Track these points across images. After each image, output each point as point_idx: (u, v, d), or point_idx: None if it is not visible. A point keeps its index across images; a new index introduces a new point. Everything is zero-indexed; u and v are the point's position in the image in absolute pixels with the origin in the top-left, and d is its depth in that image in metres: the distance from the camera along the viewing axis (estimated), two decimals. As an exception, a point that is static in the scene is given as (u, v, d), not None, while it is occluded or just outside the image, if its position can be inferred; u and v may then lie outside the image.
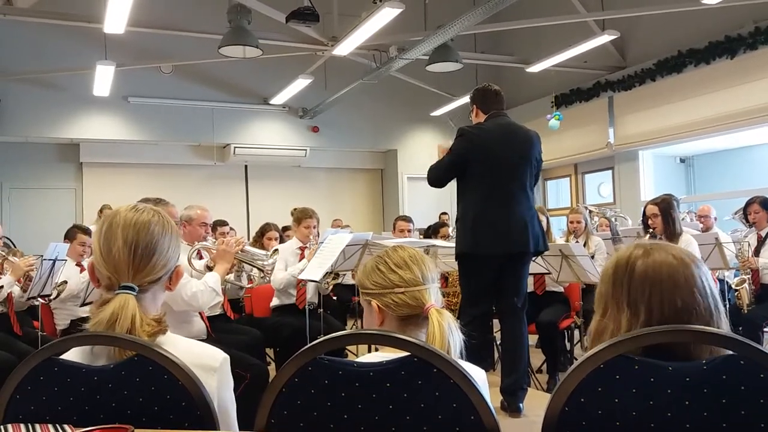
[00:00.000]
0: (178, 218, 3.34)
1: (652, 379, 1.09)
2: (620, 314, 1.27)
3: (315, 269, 3.85)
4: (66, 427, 1.24)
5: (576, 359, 4.84)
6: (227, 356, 1.44)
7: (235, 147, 10.50)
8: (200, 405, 1.27)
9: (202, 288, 3.05)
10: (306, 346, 1.19)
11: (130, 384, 1.28)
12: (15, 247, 6.52)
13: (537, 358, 5.17)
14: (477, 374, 1.29)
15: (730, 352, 1.08)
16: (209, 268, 3.26)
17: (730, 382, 1.06)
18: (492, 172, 3.56)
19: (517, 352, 3.66)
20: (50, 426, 1.24)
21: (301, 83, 9.41)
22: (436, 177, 3.73)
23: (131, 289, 1.37)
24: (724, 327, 1.23)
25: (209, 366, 1.38)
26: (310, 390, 1.19)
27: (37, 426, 1.25)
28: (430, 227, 7.69)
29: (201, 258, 3.52)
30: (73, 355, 1.37)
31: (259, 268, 3.47)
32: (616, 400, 1.11)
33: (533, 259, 4.00)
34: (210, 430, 1.27)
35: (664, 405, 1.09)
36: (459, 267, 3.77)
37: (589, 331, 1.36)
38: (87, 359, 1.37)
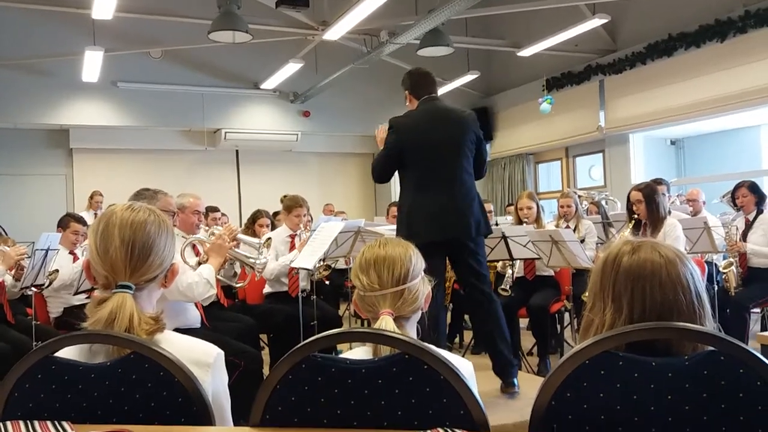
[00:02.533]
0: (174, 208, 3.34)
1: (635, 375, 1.13)
2: (605, 309, 1.30)
3: (308, 257, 3.87)
4: (65, 424, 1.26)
5: (566, 342, 4.92)
6: (221, 351, 1.47)
7: (225, 132, 10.46)
8: (196, 401, 1.30)
9: (197, 279, 3.08)
10: (299, 345, 1.22)
11: (127, 381, 1.30)
12: (6, 234, 6.52)
13: (528, 341, 5.24)
14: (465, 367, 1.32)
15: (713, 348, 1.12)
16: (200, 264, 3.29)
17: (711, 378, 1.10)
18: (423, 160, 3.54)
19: (497, 332, 3.65)
20: (49, 423, 1.27)
21: (291, 68, 9.36)
22: (378, 173, 3.70)
23: (128, 287, 1.40)
24: (709, 324, 1.26)
25: (204, 362, 1.41)
26: (304, 387, 1.22)
27: (36, 423, 1.27)
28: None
29: (197, 254, 3.54)
30: (72, 352, 1.39)
31: (250, 266, 3.49)
32: (601, 395, 1.14)
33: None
34: (206, 426, 1.29)
35: (647, 399, 1.12)
36: None
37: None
38: (85, 356, 1.39)
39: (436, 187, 3.53)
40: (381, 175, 3.72)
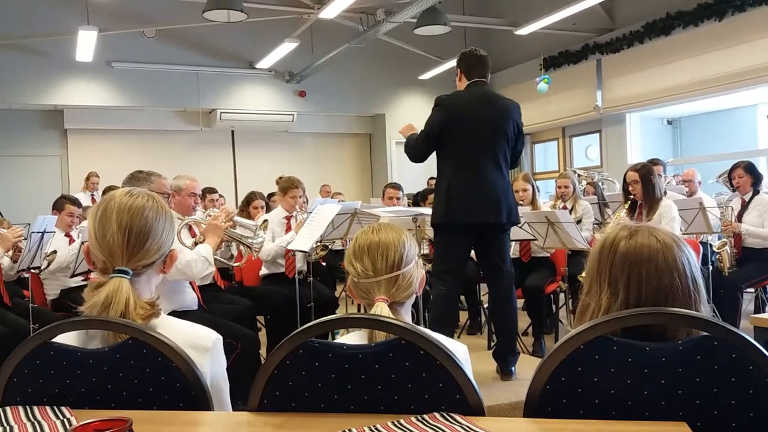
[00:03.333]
0: (168, 190, 3.33)
1: (630, 359, 1.14)
2: (601, 293, 1.31)
3: (304, 240, 3.87)
4: (64, 409, 1.27)
5: (561, 322, 4.95)
6: (220, 336, 1.47)
7: (221, 112, 10.41)
8: (194, 386, 1.31)
9: (195, 257, 3.07)
10: (296, 330, 1.22)
11: (125, 366, 1.31)
12: (2, 216, 6.50)
13: (523, 321, 5.26)
14: (459, 350, 1.33)
15: (706, 333, 1.13)
16: (196, 245, 3.29)
17: (704, 362, 1.11)
18: (466, 142, 3.56)
19: (505, 318, 3.70)
20: (48, 408, 1.28)
21: (287, 47, 9.29)
22: (415, 152, 3.71)
23: (125, 273, 1.40)
24: (704, 308, 1.27)
25: (202, 346, 1.42)
26: (302, 372, 1.23)
27: (36, 408, 1.28)
28: (418, 193, 7.70)
29: (193, 236, 3.54)
30: (69, 336, 1.39)
31: (247, 246, 3.49)
32: (596, 379, 1.15)
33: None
34: (204, 411, 1.30)
35: (641, 384, 1.13)
36: (434, 237, 3.77)
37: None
38: (81, 340, 1.40)
39: (476, 170, 3.55)
40: (418, 155, 3.72)
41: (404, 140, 3.83)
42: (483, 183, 3.54)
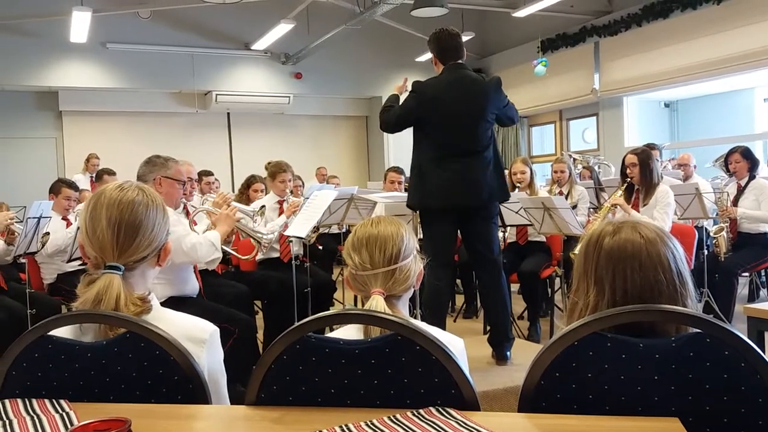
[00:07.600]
0: (184, 177, 3.26)
1: (623, 356, 1.15)
2: (588, 291, 1.32)
3: (301, 226, 3.87)
4: (63, 403, 1.28)
5: (556, 306, 4.98)
6: (216, 328, 1.48)
7: (216, 94, 10.35)
8: (192, 379, 1.32)
9: (202, 241, 3.11)
10: (293, 326, 1.23)
11: (123, 360, 1.32)
12: (-3, 200, 6.48)
13: (519, 305, 5.30)
14: (455, 345, 1.34)
15: (699, 330, 1.14)
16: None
17: (696, 359, 1.12)
18: (442, 130, 3.52)
19: (497, 304, 3.69)
20: (47, 401, 1.29)
21: (283, 28, 9.22)
22: (387, 124, 3.72)
23: (117, 268, 1.39)
24: (691, 303, 1.28)
25: (199, 338, 1.42)
26: (299, 366, 1.24)
27: (34, 402, 1.29)
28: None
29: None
30: (62, 330, 1.40)
31: (257, 240, 3.56)
32: (590, 375, 1.17)
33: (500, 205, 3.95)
34: (202, 404, 1.31)
35: (634, 380, 1.15)
36: (420, 223, 3.75)
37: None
38: (75, 335, 1.40)
39: (452, 158, 3.52)
40: (389, 128, 3.76)
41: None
42: (459, 171, 3.51)
